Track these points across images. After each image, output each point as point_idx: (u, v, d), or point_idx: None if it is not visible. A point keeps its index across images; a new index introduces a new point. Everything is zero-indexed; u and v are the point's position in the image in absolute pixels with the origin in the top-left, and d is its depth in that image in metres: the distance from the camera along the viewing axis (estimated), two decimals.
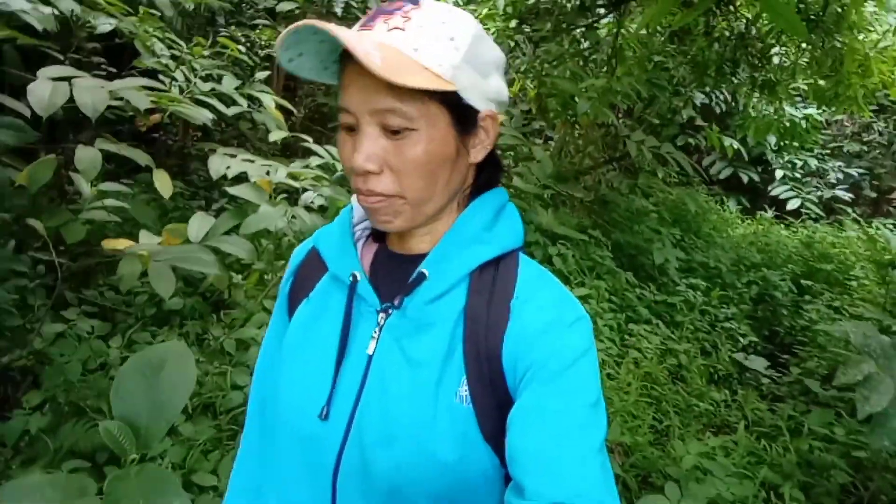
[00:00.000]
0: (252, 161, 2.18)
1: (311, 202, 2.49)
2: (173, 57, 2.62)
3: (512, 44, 4.69)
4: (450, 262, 0.78)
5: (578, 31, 4.70)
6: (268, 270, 2.49)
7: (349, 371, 0.77)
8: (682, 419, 2.86)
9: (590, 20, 4.61)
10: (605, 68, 4.47)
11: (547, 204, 3.96)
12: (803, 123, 5.61)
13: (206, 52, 2.49)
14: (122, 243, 1.69)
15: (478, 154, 0.79)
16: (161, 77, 2.43)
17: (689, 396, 3.06)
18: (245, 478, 0.92)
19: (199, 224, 1.85)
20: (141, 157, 2.08)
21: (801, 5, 3.92)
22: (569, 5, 4.54)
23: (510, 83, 4.90)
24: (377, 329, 0.78)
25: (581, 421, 0.69)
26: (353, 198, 0.85)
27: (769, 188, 8.10)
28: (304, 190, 2.49)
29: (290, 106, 2.35)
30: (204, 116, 2.29)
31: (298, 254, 0.93)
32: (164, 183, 1.95)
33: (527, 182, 3.75)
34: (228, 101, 2.52)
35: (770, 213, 7.92)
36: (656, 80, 4.11)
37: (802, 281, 4.91)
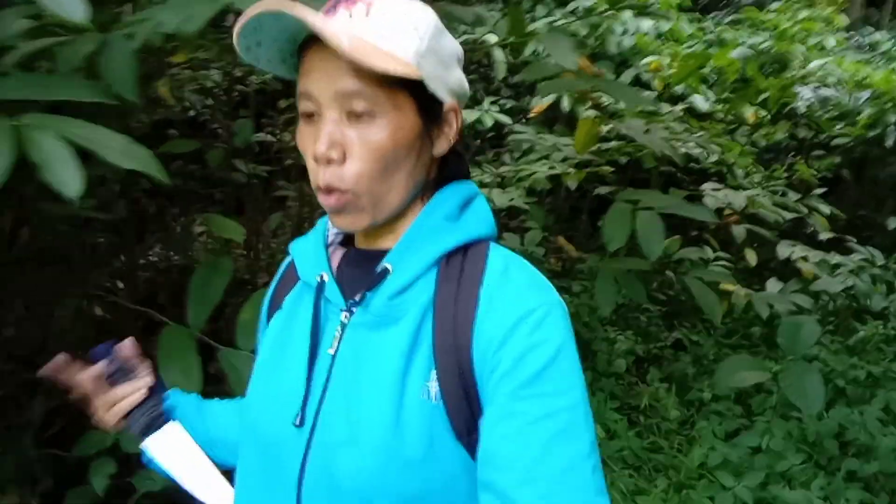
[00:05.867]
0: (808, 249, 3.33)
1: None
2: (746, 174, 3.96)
3: None
4: (412, 254, 0.76)
5: None
6: (824, 322, 3.52)
7: (317, 374, 0.76)
8: None
9: None
10: None
11: None
12: None
13: (779, 175, 3.73)
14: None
15: (441, 146, 0.78)
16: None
17: None
18: None
19: (774, 285, 3.07)
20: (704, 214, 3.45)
21: None
22: None
23: None
24: (339, 328, 0.76)
25: (568, 424, 0.67)
26: None
27: None
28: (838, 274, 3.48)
29: (840, 214, 3.37)
30: (772, 217, 3.54)
31: (279, 270, 0.92)
32: (751, 256, 3.24)
33: None
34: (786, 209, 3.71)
35: None
36: None
37: None
